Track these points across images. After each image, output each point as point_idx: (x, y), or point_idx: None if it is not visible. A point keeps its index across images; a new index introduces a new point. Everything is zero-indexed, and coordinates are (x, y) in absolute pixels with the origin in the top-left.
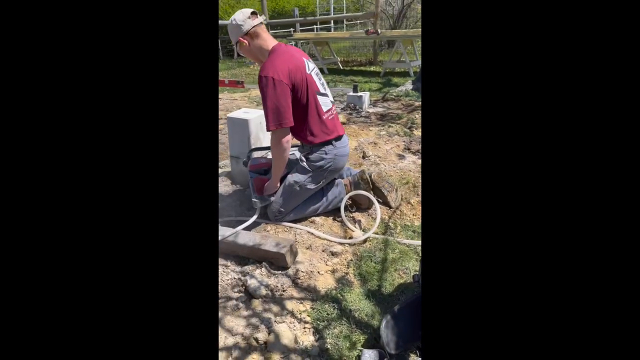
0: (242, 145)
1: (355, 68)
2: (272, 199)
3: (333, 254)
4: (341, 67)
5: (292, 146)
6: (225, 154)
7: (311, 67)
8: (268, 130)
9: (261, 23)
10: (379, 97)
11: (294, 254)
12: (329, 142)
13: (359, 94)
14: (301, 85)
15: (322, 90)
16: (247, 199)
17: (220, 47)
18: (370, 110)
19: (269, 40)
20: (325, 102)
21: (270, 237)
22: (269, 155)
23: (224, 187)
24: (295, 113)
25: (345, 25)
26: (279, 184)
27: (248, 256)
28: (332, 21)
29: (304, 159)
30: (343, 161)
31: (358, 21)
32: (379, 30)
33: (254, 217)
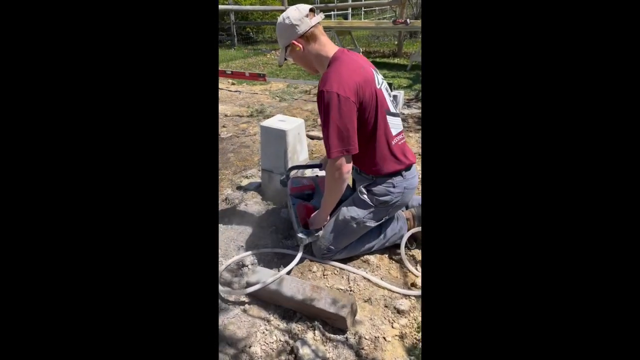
0: (277, 159)
1: (378, 60)
2: (320, 233)
3: (399, 311)
4: None
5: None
6: (251, 160)
7: (380, 80)
8: (329, 157)
9: (319, 23)
10: (411, 95)
11: (354, 313)
12: (397, 173)
13: (394, 92)
14: (370, 102)
15: (392, 110)
16: (284, 223)
17: (235, 34)
18: (406, 112)
19: (328, 46)
20: (396, 124)
21: (323, 290)
22: (310, 172)
23: (254, 204)
24: (360, 136)
25: (363, 13)
26: (329, 217)
27: (295, 309)
28: (349, 8)
29: (364, 191)
30: (411, 194)
31: (376, 9)
32: (408, 20)
33: (299, 257)
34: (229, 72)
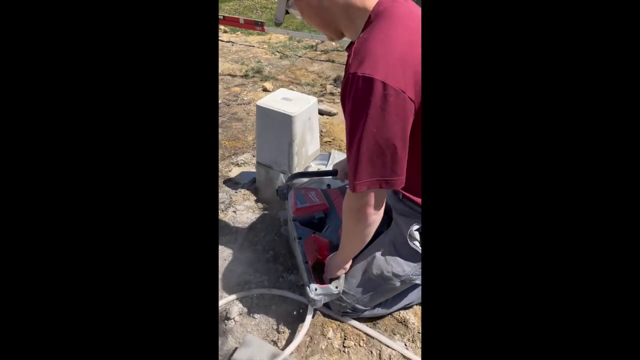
0: (278, 153)
1: None
2: (340, 286)
3: None
4: None
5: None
6: (244, 140)
7: None
8: (353, 189)
9: None
10: None
11: None
12: None
13: None
14: None
15: None
16: (285, 244)
17: None
18: None
19: None
20: None
21: None
22: (322, 184)
23: (246, 210)
24: (413, 154)
25: None
26: (349, 265)
27: None
28: None
29: (417, 236)
30: None
31: None
32: None
33: (307, 326)
34: (221, 17)
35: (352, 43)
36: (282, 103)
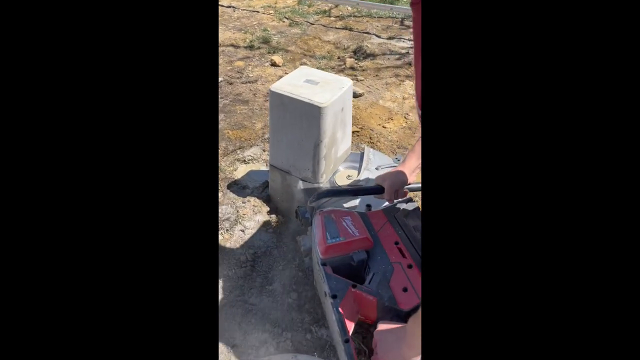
0: (300, 153)
1: None
2: None
3: None
4: None
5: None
6: (251, 129)
7: None
8: None
9: None
10: None
11: None
12: None
13: None
14: None
15: None
16: (308, 276)
17: None
18: None
19: None
20: None
21: None
22: (353, 203)
23: (256, 227)
24: None
25: None
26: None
27: None
28: None
29: None
30: None
31: None
32: None
33: None
34: None
35: None
36: (306, 88)
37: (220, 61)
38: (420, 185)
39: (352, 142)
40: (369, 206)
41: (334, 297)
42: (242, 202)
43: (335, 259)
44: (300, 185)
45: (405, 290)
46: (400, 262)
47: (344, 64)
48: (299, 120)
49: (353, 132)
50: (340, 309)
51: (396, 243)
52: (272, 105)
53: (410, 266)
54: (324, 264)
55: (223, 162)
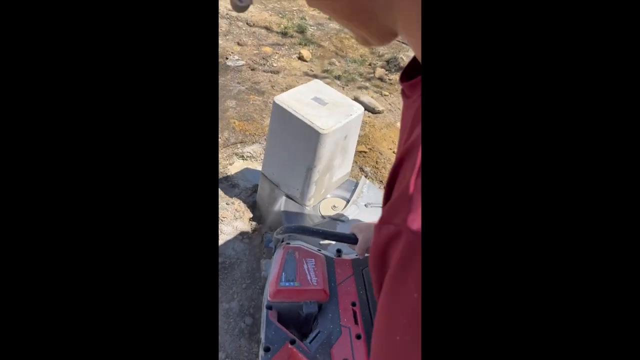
0: (292, 172)
1: None
2: None
3: None
4: None
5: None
6: (259, 124)
7: None
8: None
9: None
10: None
11: None
12: None
13: None
14: None
15: None
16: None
17: None
18: None
19: None
20: None
21: None
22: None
23: (235, 233)
24: None
25: None
26: None
27: None
28: None
29: None
30: None
31: None
32: None
33: None
34: None
35: (414, 64)
36: (312, 107)
37: (249, 42)
38: None
39: (356, 164)
40: (339, 251)
41: (266, 349)
42: (226, 203)
43: (284, 304)
44: (282, 204)
45: None
46: (350, 328)
47: (374, 72)
48: (297, 140)
49: (360, 152)
50: None
51: (353, 304)
52: (273, 116)
53: (359, 336)
54: (269, 307)
55: (220, 154)
